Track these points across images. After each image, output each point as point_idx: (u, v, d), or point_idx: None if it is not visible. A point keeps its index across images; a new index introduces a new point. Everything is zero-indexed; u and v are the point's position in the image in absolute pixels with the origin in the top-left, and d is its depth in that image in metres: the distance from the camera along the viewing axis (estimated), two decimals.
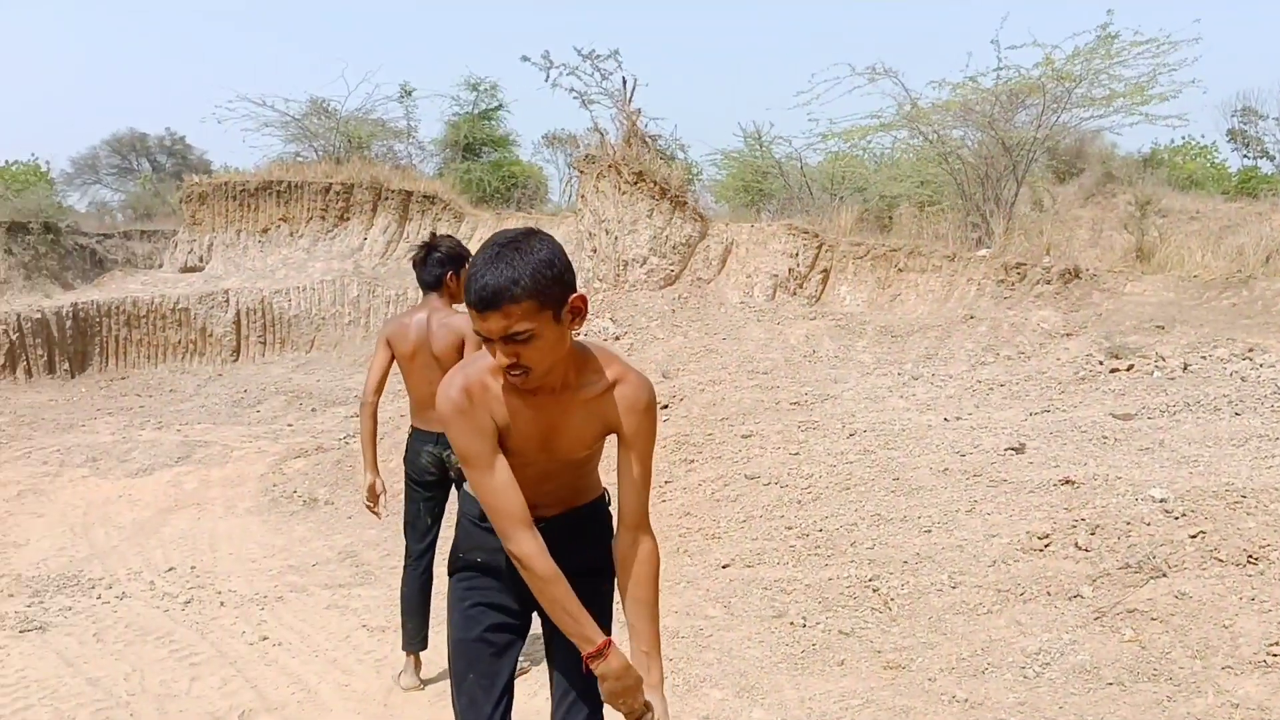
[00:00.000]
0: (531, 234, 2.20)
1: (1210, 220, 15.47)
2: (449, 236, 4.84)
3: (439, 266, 4.62)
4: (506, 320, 2.11)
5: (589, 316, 11.70)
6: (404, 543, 4.82)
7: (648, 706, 2.36)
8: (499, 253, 2.13)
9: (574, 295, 2.20)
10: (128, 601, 5.88)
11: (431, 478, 4.65)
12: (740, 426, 7.87)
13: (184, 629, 5.42)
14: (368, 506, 4.81)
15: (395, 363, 4.68)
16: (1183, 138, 23.47)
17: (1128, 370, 8.31)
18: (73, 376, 14.17)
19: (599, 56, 13.75)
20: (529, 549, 2.30)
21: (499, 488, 2.32)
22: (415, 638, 4.68)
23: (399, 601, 4.75)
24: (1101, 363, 8.57)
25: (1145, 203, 12.88)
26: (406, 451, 4.73)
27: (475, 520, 2.62)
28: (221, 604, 5.84)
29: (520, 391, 2.31)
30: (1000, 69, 12.99)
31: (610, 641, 2.32)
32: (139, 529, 7.51)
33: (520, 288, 2.09)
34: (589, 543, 2.53)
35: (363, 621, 5.54)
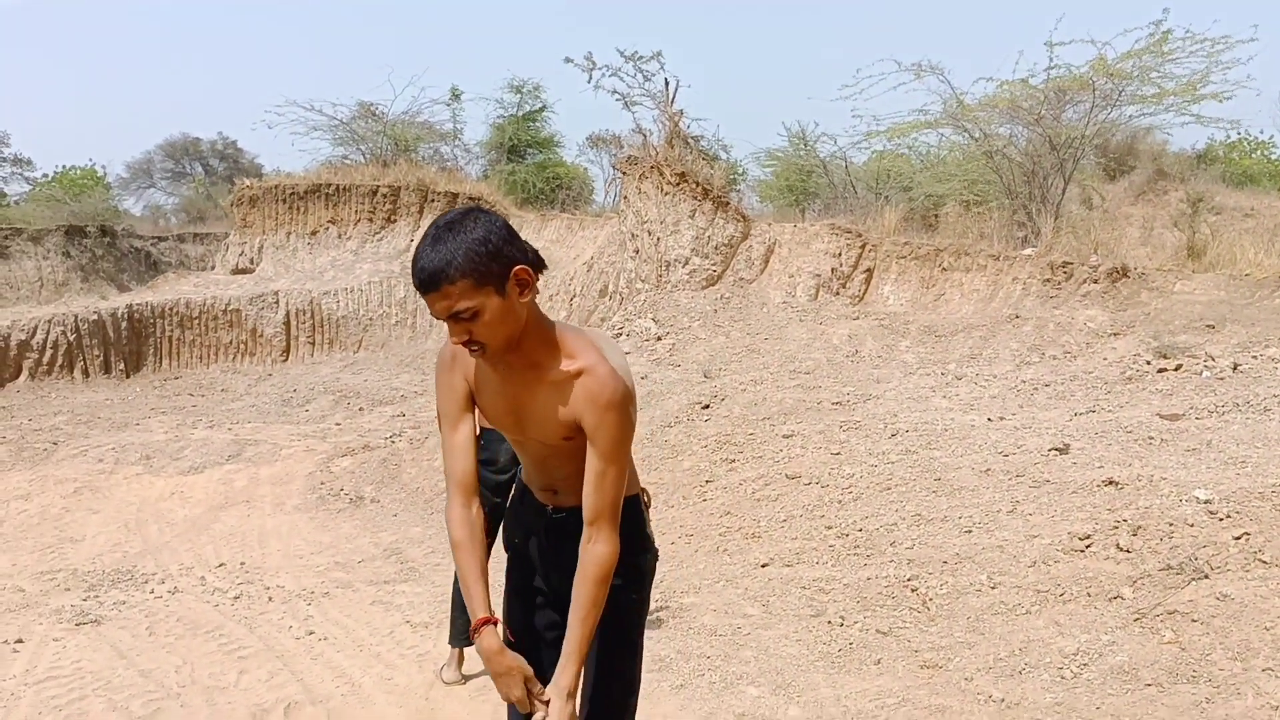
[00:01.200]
0: (469, 213, 2.22)
1: (1265, 217, 15.16)
2: None
3: None
4: (447, 300, 2.16)
5: (631, 316, 11.83)
6: (447, 541, 4.88)
7: (543, 702, 2.33)
8: (436, 234, 2.17)
9: (516, 267, 2.21)
10: (179, 596, 6.02)
11: (506, 476, 4.68)
12: (782, 426, 7.87)
13: (233, 623, 5.53)
14: None
15: None
16: (1238, 133, 23.01)
17: (1176, 370, 8.19)
18: (128, 376, 14.50)
19: (641, 58, 13.82)
20: (451, 514, 2.49)
21: (452, 448, 2.51)
22: (462, 633, 4.73)
23: (448, 597, 4.80)
24: (1149, 362, 8.46)
25: (1197, 200, 12.69)
26: (481, 452, 4.70)
27: (518, 500, 2.75)
28: (269, 599, 5.96)
29: (501, 361, 2.36)
30: (1051, 67, 12.88)
31: (487, 620, 2.36)
32: (190, 525, 7.67)
33: (454, 268, 2.13)
34: None
35: (406, 617, 5.62)
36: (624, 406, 2.29)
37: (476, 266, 2.14)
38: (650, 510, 2.69)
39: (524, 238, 2.28)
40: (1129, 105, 13.06)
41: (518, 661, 2.36)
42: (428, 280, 2.15)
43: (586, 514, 2.34)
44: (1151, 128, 17.05)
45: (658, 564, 2.71)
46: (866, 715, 4.14)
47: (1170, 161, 19.13)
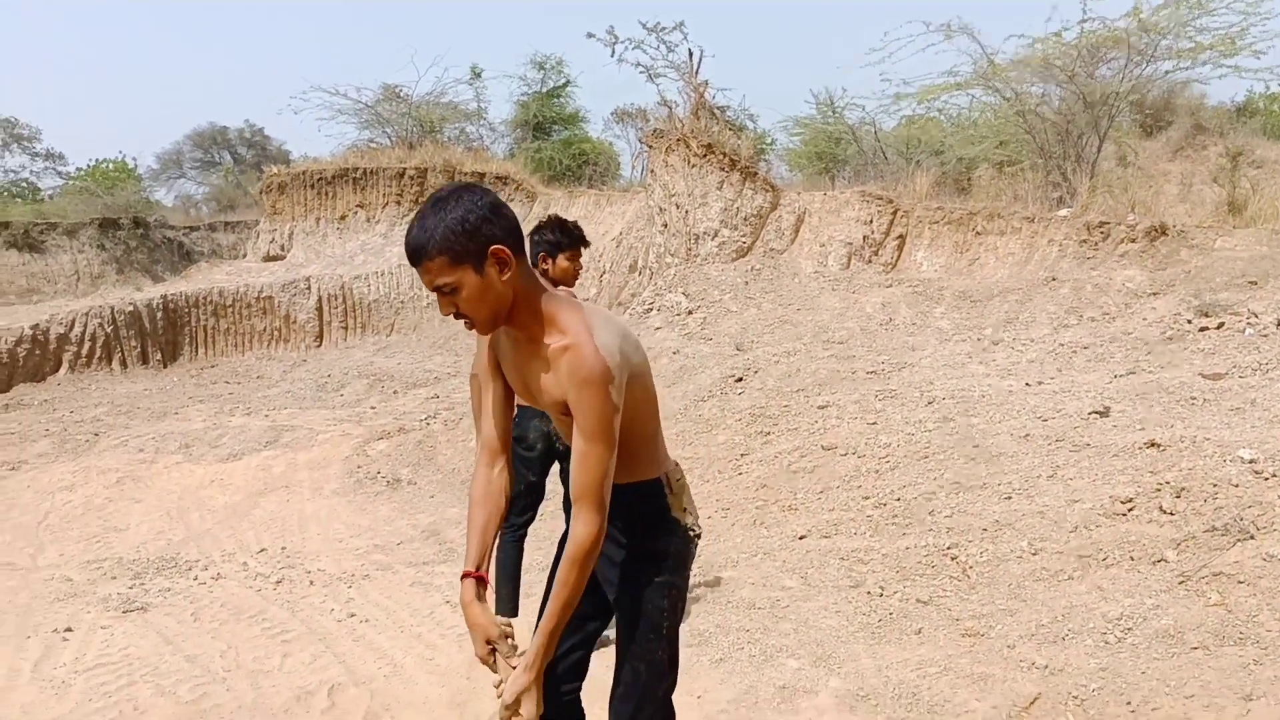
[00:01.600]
0: (456, 191, 2.24)
1: None
2: (557, 218, 4.71)
3: (534, 248, 4.57)
4: (429, 275, 2.22)
5: (662, 291, 11.78)
6: None
7: (511, 667, 2.34)
8: (424, 211, 2.23)
9: (494, 247, 2.21)
10: (223, 582, 6.08)
11: (535, 454, 4.69)
12: (816, 397, 7.82)
13: (276, 608, 5.59)
14: None
15: None
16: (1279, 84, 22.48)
17: (1218, 328, 8.04)
18: (165, 366, 14.66)
19: (664, 29, 13.68)
20: (475, 472, 2.57)
21: (485, 410, 2.62)
22: (506, 604, 4.72)
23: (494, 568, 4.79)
24: (1190, 321, 8.30)
25: (1237, 154, 12.39)
26: (513, 429, 4.70)
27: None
28: (311, 583, 6.01)
29: (508, 332, 2.42)
30: (1085, 20, 12.61)
31: (468, 574, 2.42)
32: (231, 512, 7.75)
33: (432, 245, 2.18)
34: (620, 526, 2.48)
35: (446, 598, 5.65)
36: (601, 385, 2.24)
37: (452, 245, 2.18)
38: (678, 495, 2.60)
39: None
40: (1164, 60, 12.80)
41: (485, 619, 2.40)
42: (411, 255, 2.22)
43: (570, 492, 2.33)
44: (1189, 81, 16.68)
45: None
46: (908, 685, 4.11)
47: (1209, 115, 18.66)
